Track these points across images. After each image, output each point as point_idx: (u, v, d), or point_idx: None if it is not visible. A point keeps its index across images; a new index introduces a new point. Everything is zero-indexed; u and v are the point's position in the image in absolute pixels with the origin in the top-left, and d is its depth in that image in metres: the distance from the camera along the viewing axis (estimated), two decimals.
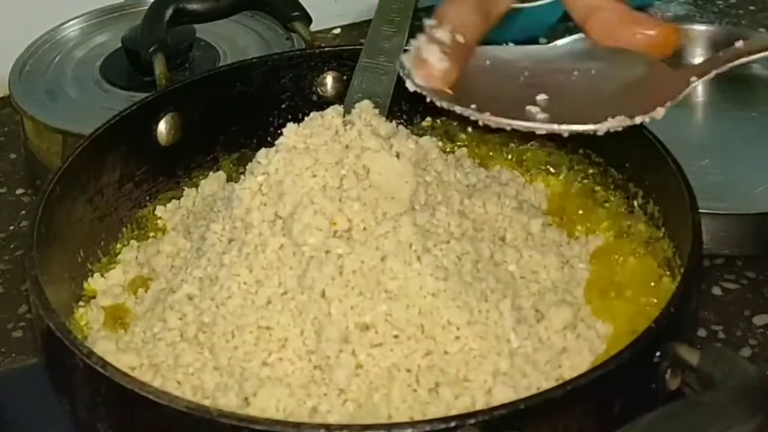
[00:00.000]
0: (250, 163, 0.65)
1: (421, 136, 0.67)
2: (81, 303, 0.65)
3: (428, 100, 0.59)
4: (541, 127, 0.58)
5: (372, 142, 0.61)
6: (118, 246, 0.70)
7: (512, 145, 0.75)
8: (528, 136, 0.70)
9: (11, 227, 0.86)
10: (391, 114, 0.69)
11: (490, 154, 0.75)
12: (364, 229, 0.58)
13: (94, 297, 0.66)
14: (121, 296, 0.65)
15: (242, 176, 0.65)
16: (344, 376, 0.54)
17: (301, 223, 0.58)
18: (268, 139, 0.72)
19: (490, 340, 0.56)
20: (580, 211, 0.70)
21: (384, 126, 0.64)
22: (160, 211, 0.72)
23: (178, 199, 0.73)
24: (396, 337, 0.56)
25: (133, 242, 0.70)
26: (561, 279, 0.63)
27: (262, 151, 0.63)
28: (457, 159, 0.70)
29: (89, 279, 0.67)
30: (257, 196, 0.61)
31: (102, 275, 0.67)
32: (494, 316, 0.57)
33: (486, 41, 1.06)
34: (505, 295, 0.59)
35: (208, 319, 0.58)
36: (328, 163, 0.61)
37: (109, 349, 0.59)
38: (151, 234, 0.71)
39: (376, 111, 0.65)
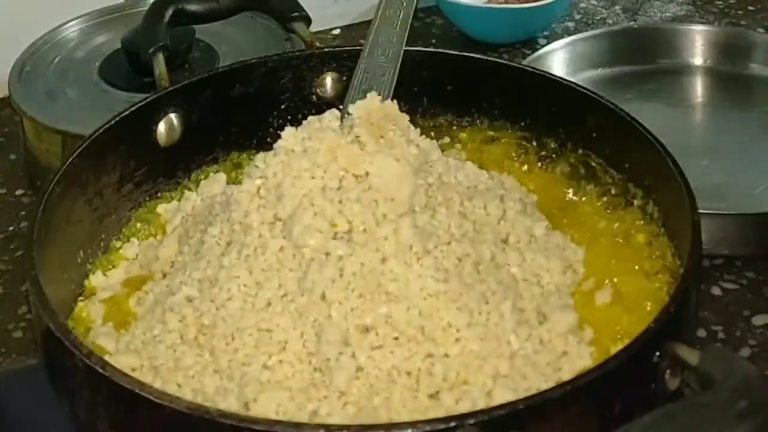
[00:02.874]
0: (247, 167, 0.64)
1: (421, 136, 0.67)
2: (81, 299, 0.65)
3: None
4: None
5: (371, 144, 0.61)
6: (118, 245, 0.70)
7: (512, 146, 0.75)
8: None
9: (11, 228, 0.86)
10: None
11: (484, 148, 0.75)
12: (365, 230, 0.58)
13: (94, 295, 0.66)
14: (121, 294, 0.65)
15: (241, 178, 0.65)
16: (344, 379, 0.54)
17: (301, 225, 0.58)
18: (268, 139, 0.72)
19: (490, 343, 0.56)
20: (579, 212, 0.70)
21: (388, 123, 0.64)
22: (161, 209, 0.72)
23: (178, 199, 0.73)
24: (396, 339, 0.56)
25: (134, 240, 0.70)
26: (564, 283, 0.63)
27: (260, 155, 0.63)
28: (458, 161, 0.70)
29: (90, 277, 0.67)
30: (255, 199, 0.61)
31: (103, 273, 0.67)
32: (495, 318, 0.57)
33: (484, 42, 1.06)
34: (506, 297, 0.59)
35: (208, 321, 0.58)
36: (326, 166, 0.60)
37: (110, 350, 0.59)
38: (152, 231, 0.71)
39: (380, 103, 0.65)
